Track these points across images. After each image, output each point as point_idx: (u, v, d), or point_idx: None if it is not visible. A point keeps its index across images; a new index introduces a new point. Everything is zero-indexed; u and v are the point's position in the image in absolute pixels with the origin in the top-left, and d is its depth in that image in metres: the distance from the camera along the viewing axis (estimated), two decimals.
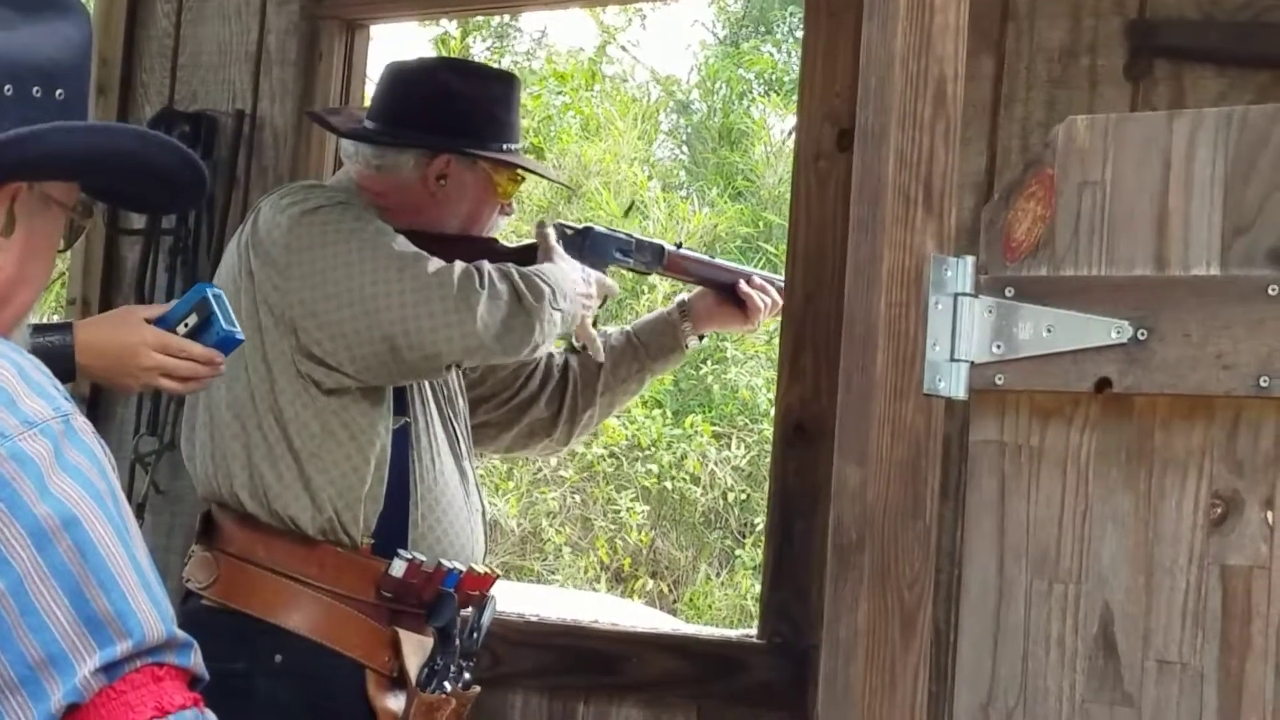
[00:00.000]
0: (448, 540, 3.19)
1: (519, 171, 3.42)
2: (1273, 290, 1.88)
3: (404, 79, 3.41)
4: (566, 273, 3.32)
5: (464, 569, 3.16)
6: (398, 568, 3.09)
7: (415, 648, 3.12)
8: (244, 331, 3.03)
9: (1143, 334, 1.94)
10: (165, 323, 2.97)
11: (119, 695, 1.59)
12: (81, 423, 1.68)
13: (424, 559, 3.11)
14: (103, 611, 1.59)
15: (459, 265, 3.13)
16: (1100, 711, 1.96)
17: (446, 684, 3.10)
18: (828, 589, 2.06)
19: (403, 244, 3.15)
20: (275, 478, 3.11)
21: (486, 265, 3.16)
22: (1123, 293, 1.97)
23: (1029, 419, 2.03)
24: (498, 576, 3.26)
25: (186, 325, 2.98)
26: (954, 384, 2.05)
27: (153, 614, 1.62)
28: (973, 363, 2.04)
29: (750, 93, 15.56)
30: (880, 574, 2.03)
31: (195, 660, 1.66)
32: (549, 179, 3.65)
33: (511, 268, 3.20)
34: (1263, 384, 1.88)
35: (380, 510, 3.14)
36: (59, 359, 2.89)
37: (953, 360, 2.05)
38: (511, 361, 3.38)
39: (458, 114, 3.32)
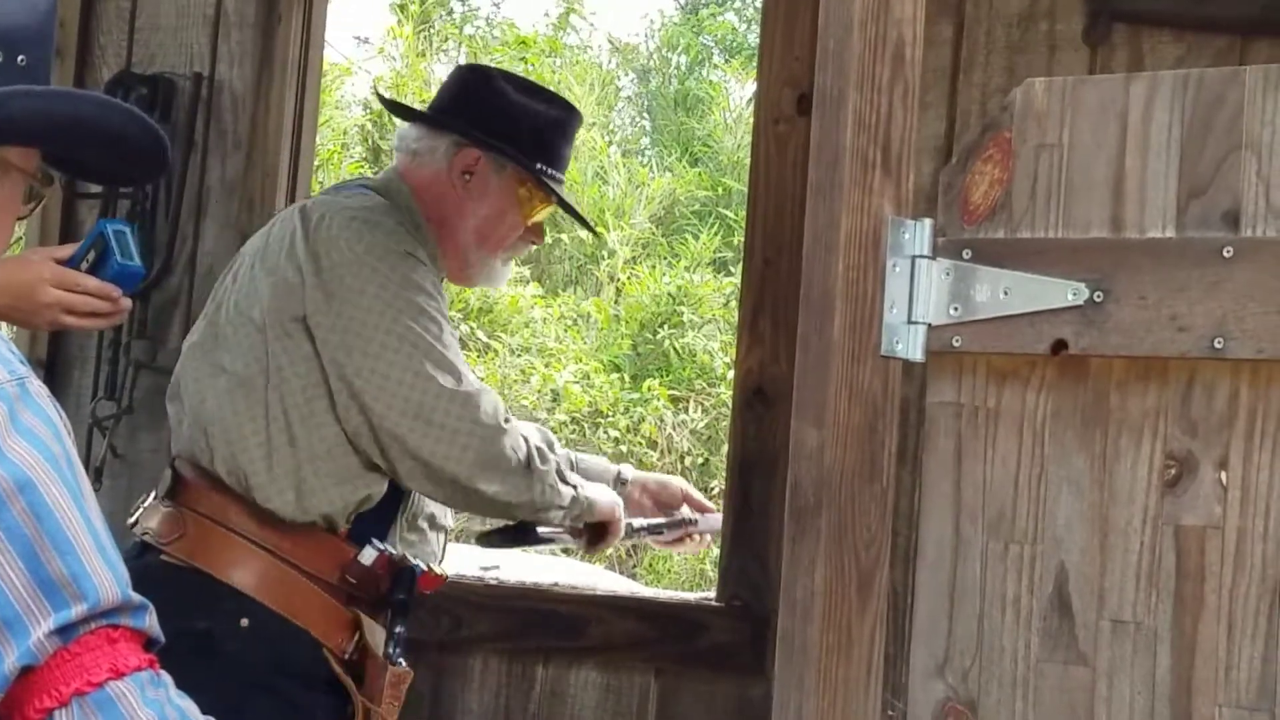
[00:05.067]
0: (416, 546, 3.19)
1: (547, 197, 3.35)
2: (1227, 252, 1.89)
3: (464, 77, 3.43)
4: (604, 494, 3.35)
5: (425, 568, 3.15)
6: (368, 556, 3.07)
7: (373, 630, 3.11)
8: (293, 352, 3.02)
9: (1099, 296, 1.95)
10: (71, 263, 2.99)
11: (74, 657, 1.59)
12: (37, 387, 1.67)
13: (394, 552, 3.11)
14: (57, 574, 1.59)
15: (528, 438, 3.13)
16: (1055, 670, 1.97)
17: (402, 660, 3.10)
18: (785, 550, 2.07)
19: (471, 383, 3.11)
20: (268, 477, 3.05)
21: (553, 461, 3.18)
22: (1079, 255, 1.97)
23: (986, 381, 2.04)
24: (447, 578, 3.25)
25: (88, 262, 2.99)
26: (911, 346, 2.06)
27: (108, 576, 1.62)
28: (930, 325, 2.05)
29: (709, 59, 15.56)
30: (837, 535, 2.04)
31: (150, 622, 1.66)
32: (575, 216, 3.53)
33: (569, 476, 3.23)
34: (1217, 346, 1.89)
35: (371, 510, 3.12)
36: None
37: (910, 322, 2.05)
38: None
39: (503, 117, 3.28)
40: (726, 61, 15.36)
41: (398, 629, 3.10)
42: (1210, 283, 1.90)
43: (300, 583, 3.07)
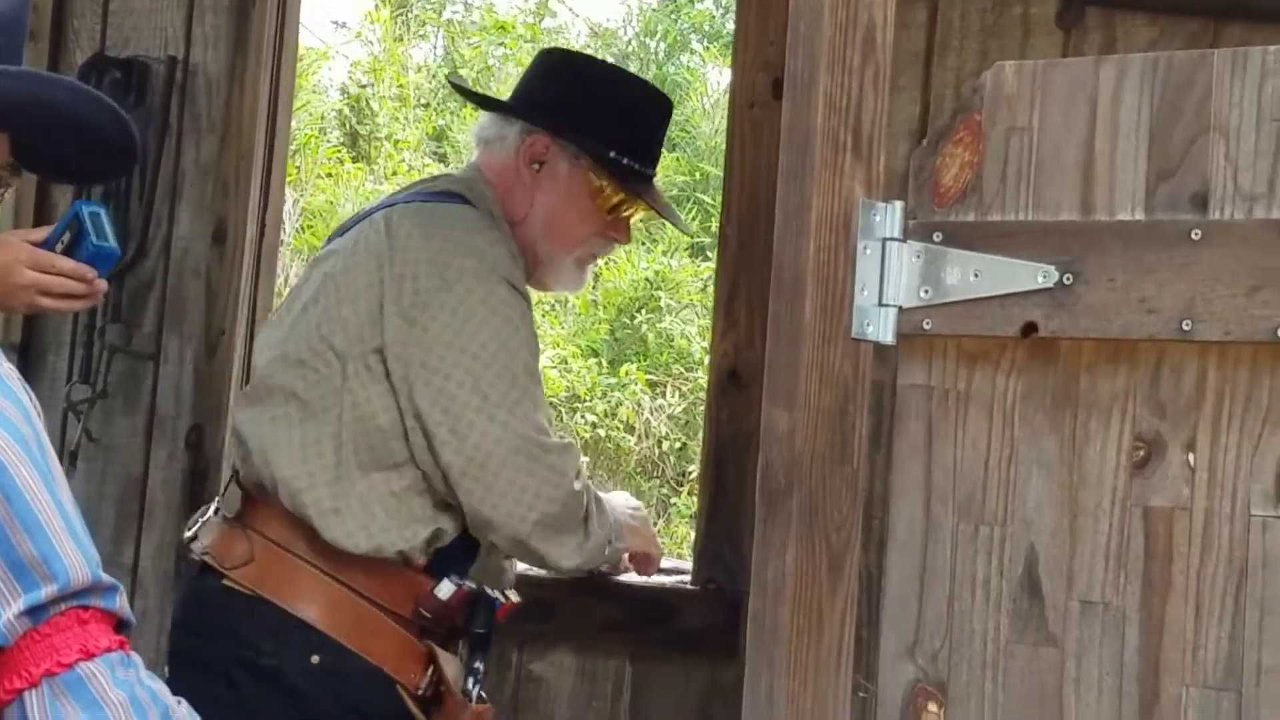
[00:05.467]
0: (496, 576, 3.06)
1: (633, 194, 3.13)
2: (1196, 235, 1.90)
3: (542, 60, 3.25)
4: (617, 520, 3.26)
5: (504, 599, 3.01)
6: (445, 590, 2.91)
7: (449, 663, 2.96)
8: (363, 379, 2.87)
9: (1068, 278, 1.96)
10: (46, 244, 2.98)
11: (44, 638, 1.59)
12: (7, 369, 1.67)
13: (472, 585, 2.96)
14: (27, 555, 1.59)
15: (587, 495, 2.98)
16: (1024, 652, 1.98)
17: (483, 695, 2.98)
18: (756, 532, 2.07)
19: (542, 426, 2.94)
20: (334, 517, 2.88)
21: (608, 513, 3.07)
22: (1049, 237, 1.98)
23: (956, 363, 2.05)
24: (518, 605, 3.10)
25: (63, 243, 2.99)
26: (882, 329, 2.06)
27: (78, 557, 1.62)
28: (901, 307, 2.05)
29: (688, 45, 15.56)
30: (808, 518, 2.05)
31: (121, 603, 1.66)
32: (658, 212, 3.18)
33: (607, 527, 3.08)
34: (1185, 328, 1.90)
35: (449, 543, 2.98)
36: None
37: (881, 305, 2.06)
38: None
39: (577, 102, 3.09)
40: (705, 48, 15.37)
41: (477, 664, 2.96)
42: (1179, 265, 1.90)
43: (372, 615, 2.91)
